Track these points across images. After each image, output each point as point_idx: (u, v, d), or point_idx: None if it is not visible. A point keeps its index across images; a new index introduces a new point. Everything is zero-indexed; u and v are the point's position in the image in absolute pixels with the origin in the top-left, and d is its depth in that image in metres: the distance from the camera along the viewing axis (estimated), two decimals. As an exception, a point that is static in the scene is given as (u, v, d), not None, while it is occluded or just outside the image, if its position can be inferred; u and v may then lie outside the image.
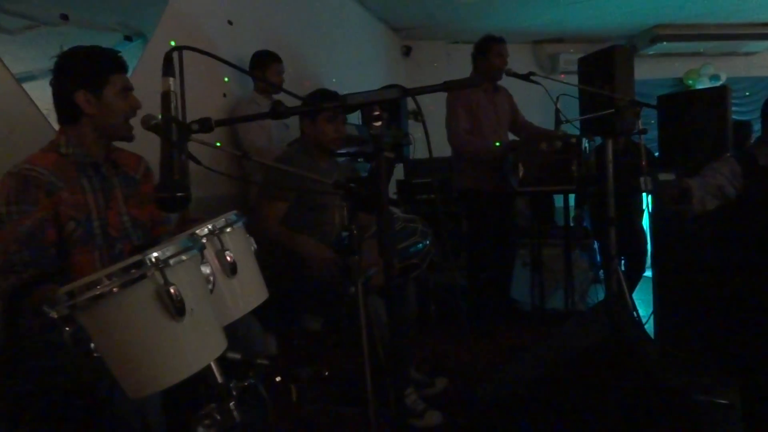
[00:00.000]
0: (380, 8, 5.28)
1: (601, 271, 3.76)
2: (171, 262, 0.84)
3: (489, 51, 3.28)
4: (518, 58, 5.92)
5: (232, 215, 1.11)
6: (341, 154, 2.88)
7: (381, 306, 1.94)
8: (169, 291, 0.82)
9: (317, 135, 2.29)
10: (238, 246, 1.07)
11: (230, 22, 3.18)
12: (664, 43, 6.16)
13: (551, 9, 5.44)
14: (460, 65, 6.17)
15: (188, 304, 0.83)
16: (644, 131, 3.00)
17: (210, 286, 0.94)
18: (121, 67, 1.54)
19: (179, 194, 0.83)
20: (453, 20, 5.53)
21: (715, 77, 6.48)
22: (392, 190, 4.34)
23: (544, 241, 3.67)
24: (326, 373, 2.31)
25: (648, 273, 3.85)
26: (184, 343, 0.85)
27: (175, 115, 0.85)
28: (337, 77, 4.51)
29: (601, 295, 3.76)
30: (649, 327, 3.27)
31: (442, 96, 5.80)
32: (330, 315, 2.04)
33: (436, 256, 2.30)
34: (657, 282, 3.40)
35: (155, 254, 0.82)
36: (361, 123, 4.15)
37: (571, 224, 4.05)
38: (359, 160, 3.20)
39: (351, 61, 4.86)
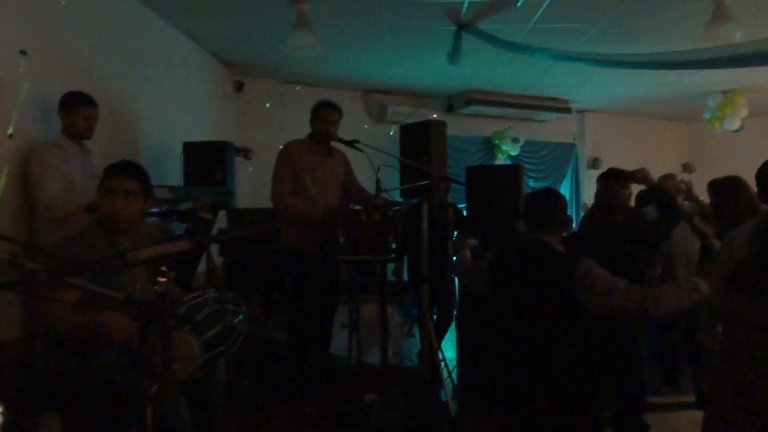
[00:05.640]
0: (210, 42, 5.08)
1: (415, 325, 4.00)
2: None
3: (317, 116, 3.34)
4: (350, 105, 6.15)
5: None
6: (151, 214, 2.65)
7: (183, 403, 1.80)
8: None
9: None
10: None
11: (23, 52, 2.78)
12: (477, 105, 6.90)
13: (380, 64, 5.76)
14: (293, 106, 6.23)
15: None
16: (452, 205, 3.30)
17: None
18: None
19: None
20: (286, 62, 5.54)
21: (515, 139, 7.44)
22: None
23: (364, 297, 3.79)
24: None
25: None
26: None
27: None
28: (159, 111, 4.19)
29: (414, 348, 3.99)
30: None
31: (274, 139, 5.72)
32: (120, 415, 1.83)
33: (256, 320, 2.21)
34: (459, 333, 3.75)
35: None
36: (182, 184, 3.91)
37: (392, 277, 4.27)
38: (174, 217, 2.98)
39: (176, 93, 4.55)
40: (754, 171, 2.17)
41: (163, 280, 0.95)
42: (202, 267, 3.70)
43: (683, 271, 3.72)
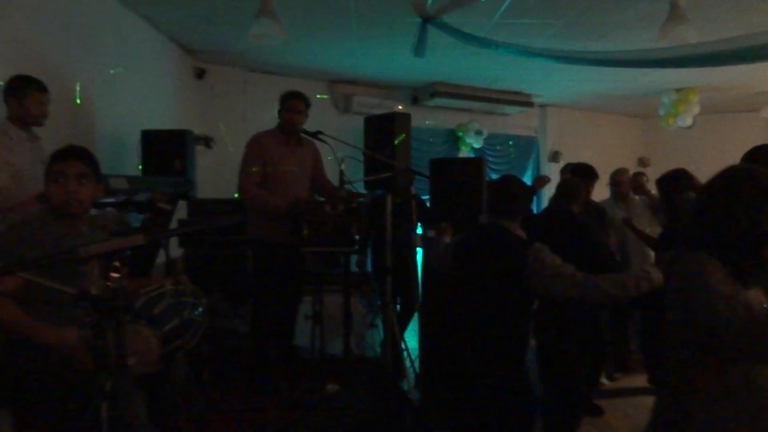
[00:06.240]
0: (171, 28, 4.93)
1: (378, 316, 4.02)
2: None
3: (283, 105, 3.31)
4: (314, 95, 6.09)
5: None
6: (106, 204, 2.58)
7: (140, 398, 1.76)
8: None
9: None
10: None
11: (-31, 33, 2.63)
12: (442, 97, 6.94)
13: (345, 55, 5.72)
14: (257, 94, 6.12)
15: None
16: (416, 197, 3.32)
17: None
18: None
19: None
20: (250, 50, 5.43)
21: (479, 132, 7.52)
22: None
23: (328, 288, 3.78)
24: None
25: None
26: None
27: None
28: (116, 98, 4.04)
29: (378, 339, 4.02)
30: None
31: (237, 128, 5.62)
32: (74, 411, 1.77)
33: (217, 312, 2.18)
34: (422, 323, 3.78)
35: None
36: (142, 174, 3.79)
37: (355, 269, 4.26)
38: (131, 208, 2.90)
39: (134, 79, 4.39)
40: (705, 165, 2.26)
41: (115, 275, 0.92)
42: (162, 257, 3.61)
43: (637, 262, 3.87)
